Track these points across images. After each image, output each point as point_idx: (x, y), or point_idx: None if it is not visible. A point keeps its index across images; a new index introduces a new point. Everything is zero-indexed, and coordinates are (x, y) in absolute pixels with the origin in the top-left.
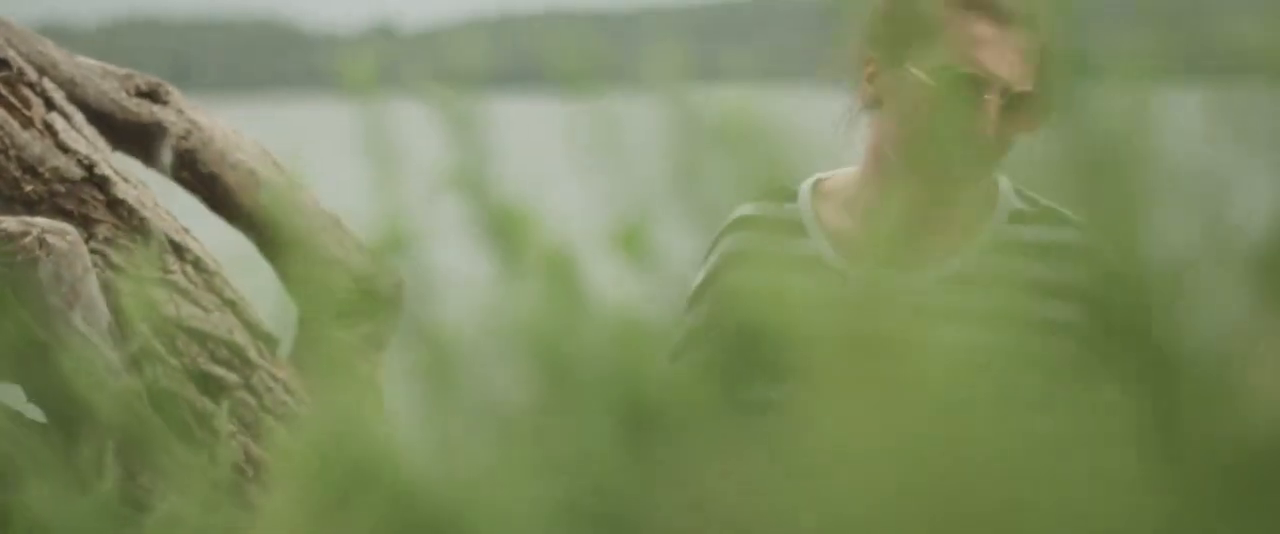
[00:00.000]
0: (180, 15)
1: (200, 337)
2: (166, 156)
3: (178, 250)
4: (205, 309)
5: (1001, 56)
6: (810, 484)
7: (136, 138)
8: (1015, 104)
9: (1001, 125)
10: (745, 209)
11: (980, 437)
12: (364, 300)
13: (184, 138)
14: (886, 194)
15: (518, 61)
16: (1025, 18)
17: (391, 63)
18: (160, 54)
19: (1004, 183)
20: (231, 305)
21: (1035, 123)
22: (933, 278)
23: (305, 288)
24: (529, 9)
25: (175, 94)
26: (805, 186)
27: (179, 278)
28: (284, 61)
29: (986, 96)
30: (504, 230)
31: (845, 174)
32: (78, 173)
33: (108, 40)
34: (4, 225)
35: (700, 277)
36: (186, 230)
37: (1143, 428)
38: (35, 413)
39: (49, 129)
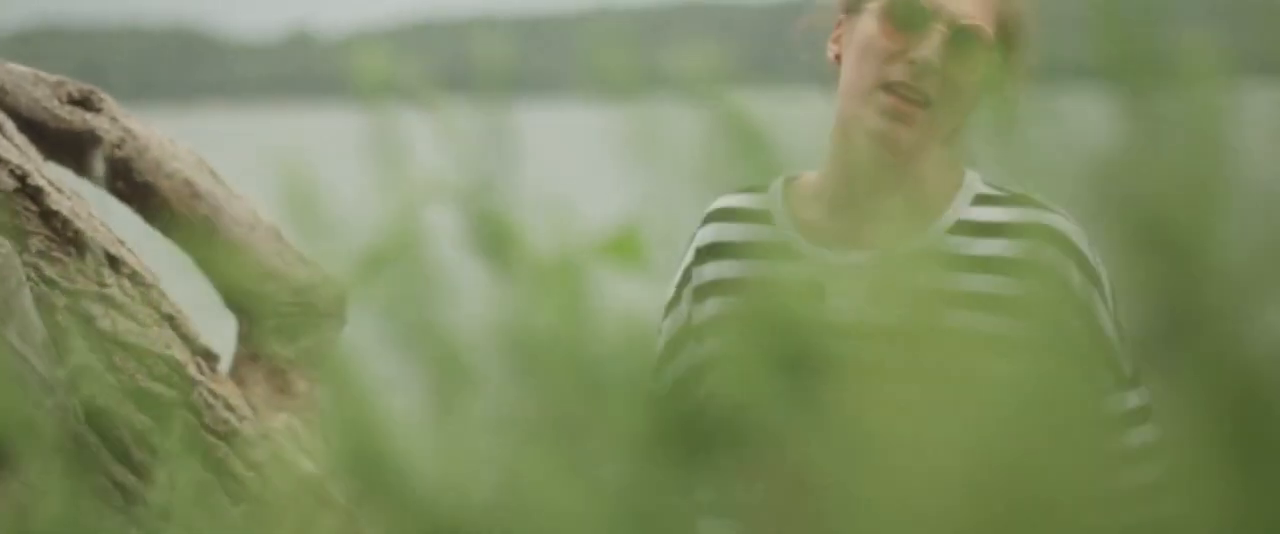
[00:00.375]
0: (88, 22)
1: (137, 352)
2: (99, 166)
3: (114, 263)
4: (142, 324)
5: None
6: (867, 481)
7: (69, 147)
8: (964, 43)
9: (952, 65)
10: (718, 202)
11: (1045, 424)
12: (305, 314)
13: (118, 146)
14: (845, 169)
15: (442, 69)
16: None
17: (307, 70)
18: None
19: (970, 173)
20: (169, 320)
21: (995, 80)
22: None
23: (245, 301)
24: (452, 15)
25: (109, 101)
26: (778, 181)
27: (115, 292)
28: (198, 70)
29: (933, 24)
30: (499, 238)
31: (817, 172)
32: (10, 183)
33: (13, 48)
34: None
35: (677, 271)
36: (122, 242)
37: (1208, 428)
38: None
39: None
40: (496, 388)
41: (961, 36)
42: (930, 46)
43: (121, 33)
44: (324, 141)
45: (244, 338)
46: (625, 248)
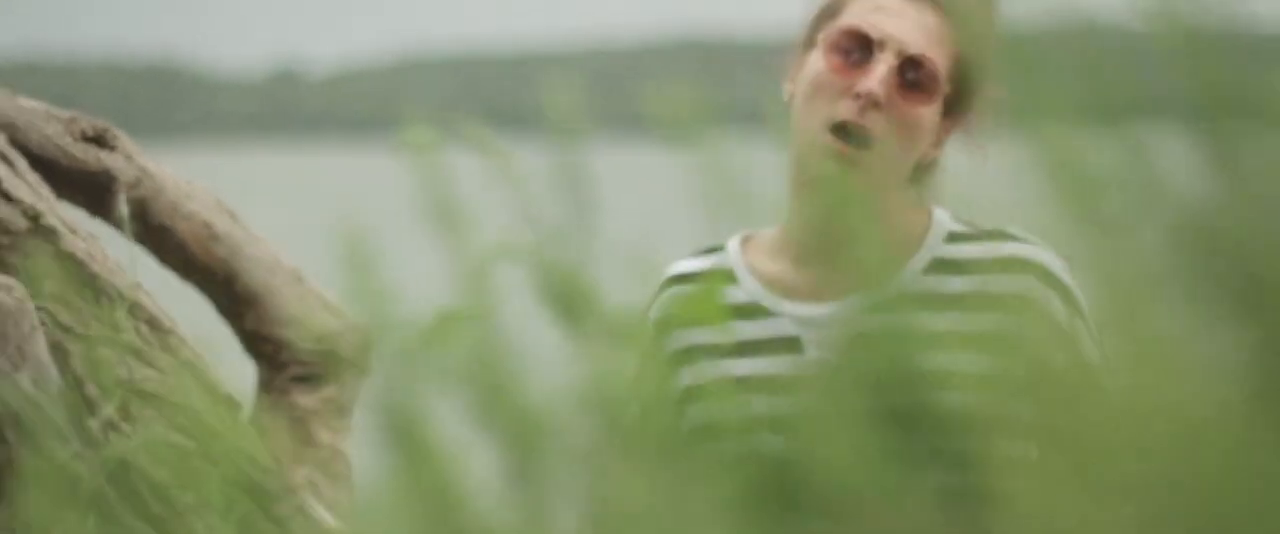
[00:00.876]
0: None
1: (156, 401)
2: (123, 208)
3: (131, 308)
4: (160, 371)
5: (900, 23)
6: None
7: (83, 186)
8: (913, 73)
9: (903, 99)
10: (675, 267)
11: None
12: (327, 363)
13: (133, 186)
14: (806, 220)
15: (439, 106)
16: (946, 4)
17: (293, 107)
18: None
19: (939, 212)
20: (189, 367)
21: (953, 117)
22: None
23: (265, 348)
24: (442, 51)
25: (123, 139)
26: (734, 240)
27: (133, 338)
28: (178, 107)
29: (878, 55)
30: (574, 296)
31: (772, 229)
32: (22, 224)
33: None
34: None
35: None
36: (140, 286)
37: None
38: None
39: None
40: (575, 454)
41: (909, 67)
42: (876, 78)
43: (98, 68)
44: (315, 181)
45: (263, 387)
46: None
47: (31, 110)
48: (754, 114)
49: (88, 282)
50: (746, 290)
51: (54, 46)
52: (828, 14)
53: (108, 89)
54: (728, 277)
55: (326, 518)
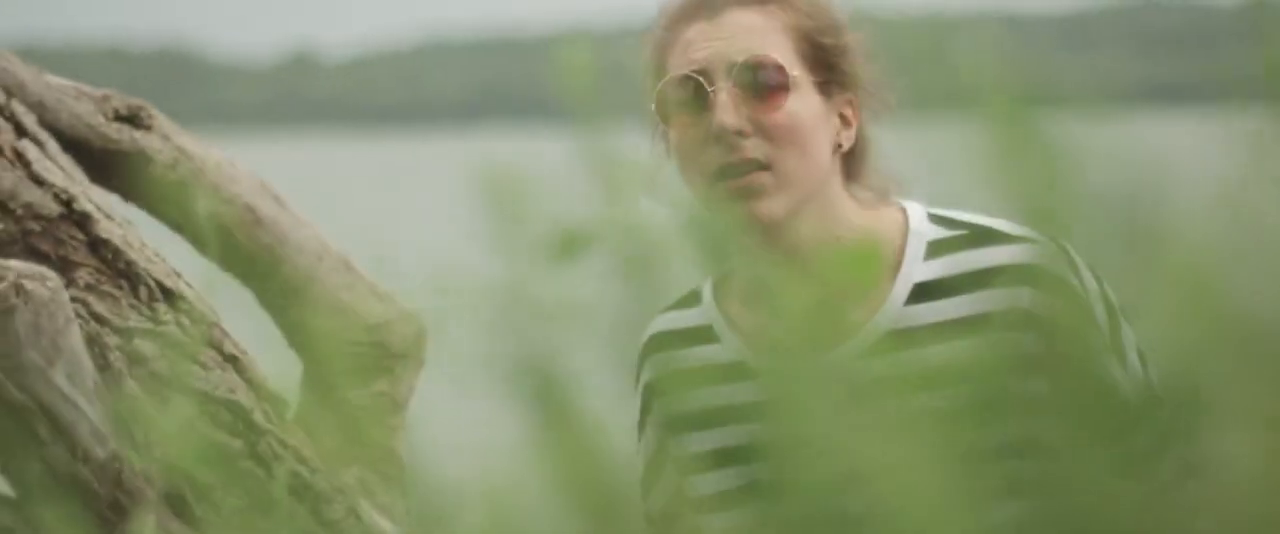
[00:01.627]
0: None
1: (198, 398)
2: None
3: (170, 298)
4: (203, 366)
5: (714, 44)
6: None
7: (117, 168)
8: (753, 76)
9: (762, 108)
10: (655, 326)
11: None
12: (379, 355)
13: (171, 168)
14: (756, 274)
15: (464, 92)
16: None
17: (306, 95)
18: None
19: (913, 210)
20: (233, 361)
21: (841, 94)
22: (858, 350)
23: (313, 341)
24: (462, 36)
25: (160, 118)
26: (707, 288)
27: (172, 330)
28: (186, 96)
29: (711, 88)
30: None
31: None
32: (54, 209)
33: None
34: None
35: (635, 408)
36: (179, 275)
37: None
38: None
39: (20, 158)
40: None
41: (746, 75)
42: (720, 110)
43: (101, 54)
44: (333, 171)
45: (310, 382)
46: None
47: (61, 88)
48: None
49: (124, 271)
50: (728, 348)
51: (54, 33)
52: (651, 71)
53: (111, 77)
54: (707, 334)
55: (379, 521)
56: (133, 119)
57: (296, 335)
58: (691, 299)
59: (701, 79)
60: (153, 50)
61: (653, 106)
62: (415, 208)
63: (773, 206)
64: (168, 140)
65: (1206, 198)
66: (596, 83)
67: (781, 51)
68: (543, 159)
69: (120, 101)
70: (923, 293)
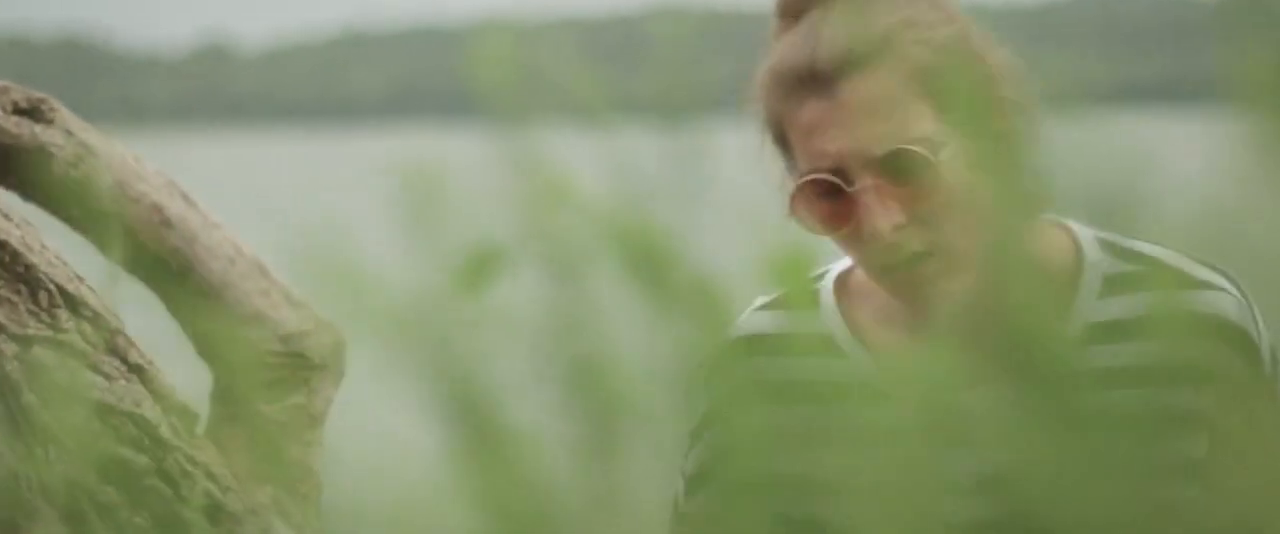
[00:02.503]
0: None
1: (101, 410)
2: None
3: (71, 304)
4: (106, 376)
5: (842, 136)
6: None
7: (15, 165)
8: (893, 164)
9: (911, 191)
10: (747, 326)
11: None
12: (295, 366)
13: (73, 165)
14: (911, 304)
15: (383, 85)
16: (853, 65)
17: (225, 89)
18: None
19: (1080, 233)
20: (138, 371)
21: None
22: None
23: (224, 350)
24: (381, 28)
25: (62, 111)
26: (828, 287)
27: (74, 338)
28: (92, 89)
29: (852, 188)
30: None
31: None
32: None
33: None
34: None
35: (700, 407)
36: (82, 279)
37: None
38: None
39: None
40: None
41: (890, 170)
42: (875, 215)
43: (2, 44)
44: (252, 169)
45: (221, 394)
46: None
47: None
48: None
49: (23, 275)
50: (857, 369)
51: None
52: (781, 140)
53: (11, 67)
54: (827, 345)
55: None
56: (33, 112)
57: (207, 344)
58: (806, 298)
59: (837, 180)
60: (56, 39)
61: (782, 183)
62: (335, 209)
63: (952, 287)
64: (71, 135)
65: (1180, 197)
66: (517, 79)
67: (920, 118)
68: (464, 159)
69: (20, 94)
70: (1097, 335)
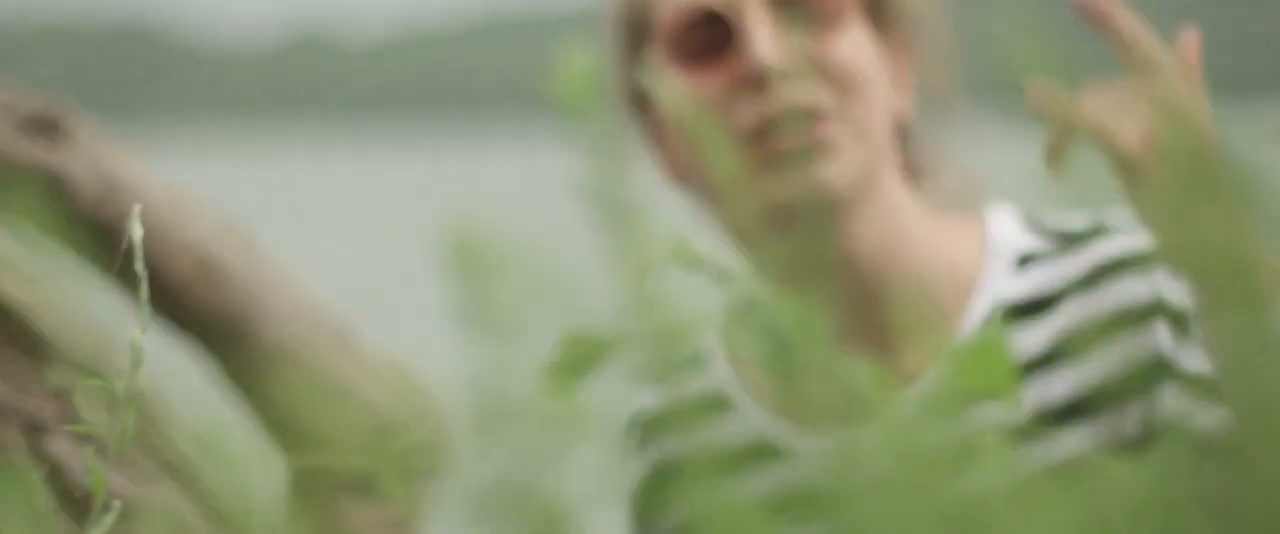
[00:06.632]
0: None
1: (128, 517)
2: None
3: (91, 379)
4: (140, 473)
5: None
6: None
7: (25, 198)
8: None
9: (810, 39)
10: (642, 402)
11: None
12: (390, 461)
13: (98, 202)
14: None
15: (510, 78)
16: None
17: (322, 86)
18: None
19: (999, 220)
20: (177, 472)
21: (890, 38)
22: (914, 400)
23: (298, 440)
24: (517, 10)
25: (85, 127)
26: (716, 345)
27: (94, 425)
28: (154, 85)
29: (738, 21)
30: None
31: None
32: None
33: None
34: None
35: (628, 508)
36: (106, 352)
37: None
38: None
39: None
40: None
41: None
42: (759, 43)
43: (42, 31)
44: (346, 185)
45: (300, 490)
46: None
47: None
48: None
49: (30, 346)
50: (748, 423)
51: None
52: (637, 31)
53: (57, 61)
54: (721, 405)
55: None
56: (48, 126)
57: (277, 431)
58: (692, 360)
59: (723, 10)
60: (108, 28)
61: (626, 80)
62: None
63: (838, 173)
64: (94, 160)
65: None
66: (599, 98)
67: None
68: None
69: (34, 104)
70: (1012, 314)
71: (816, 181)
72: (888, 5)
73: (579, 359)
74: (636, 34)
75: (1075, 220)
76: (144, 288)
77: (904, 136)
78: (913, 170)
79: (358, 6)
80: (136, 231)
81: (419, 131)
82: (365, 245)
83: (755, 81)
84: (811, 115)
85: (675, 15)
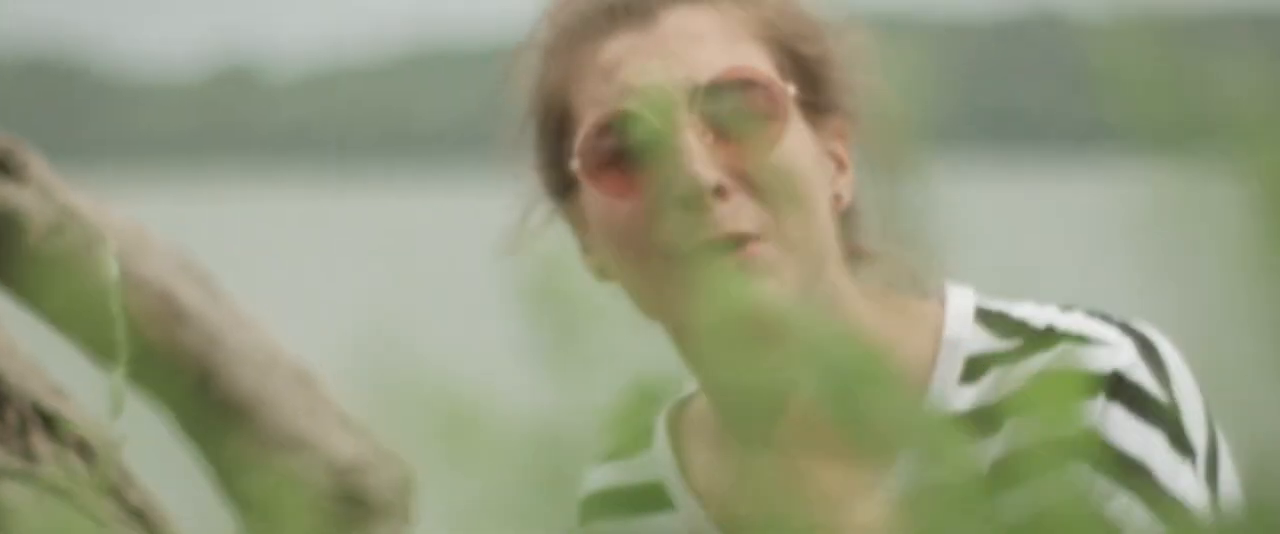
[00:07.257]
0: None
1: None
2: (112, 267)
3: (50, 425)
4: (97, 522)
5: (652, 63)
6: None
7: None
8: (726, 99)
9: (742, 143)
10: (592, 481)
11: None
12: (350, 507)
13: (53, 234)
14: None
15: (454, 113)
16: None
17: (247, 121)
18: None
19: (955, 308)
20: (138, 517)
21: (827, 122)
22: (873, 513)
23: (256, 488)
24: (459, 40)
25: (37, 163)
26: (661, 423)
27: (52, 471)
28: (85, 121)
29: (673, 126)
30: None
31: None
32: None
33: None
34: None
35: None
36: (63, 393)
37: None
38: None
39: None
40: None
41: (717, 106)
42: (691, 159)
43: None
44: (288, 224)
45: None
46: None
47: None
48: None
49: None
50: (685, 520)
51: None
52: (558, 124)
53: None
54: (657, 497)
55: None
56: (1, 164)
57: (232, 480)
58: (640, 440)
59: (651, 117)
60: (29, 61)
61: (546, 166)
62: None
63: (783, 284)
64: (49, 196)
65: None
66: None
67: (759, 61)
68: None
69: None
70: (963, 427)
71: (761, 297)
72: (822, 82)
73: (643, 403)
74: (558, 127)
75: (1033, 312)
76: (121, 326)
77: (847, 220)
78: (857, 253)
79: (282, 40)
80: (111, 268)
81: (346, 166)
82: (292, 281)
83: (686, 202)
84: (744, 240)
85: (597, 119)
